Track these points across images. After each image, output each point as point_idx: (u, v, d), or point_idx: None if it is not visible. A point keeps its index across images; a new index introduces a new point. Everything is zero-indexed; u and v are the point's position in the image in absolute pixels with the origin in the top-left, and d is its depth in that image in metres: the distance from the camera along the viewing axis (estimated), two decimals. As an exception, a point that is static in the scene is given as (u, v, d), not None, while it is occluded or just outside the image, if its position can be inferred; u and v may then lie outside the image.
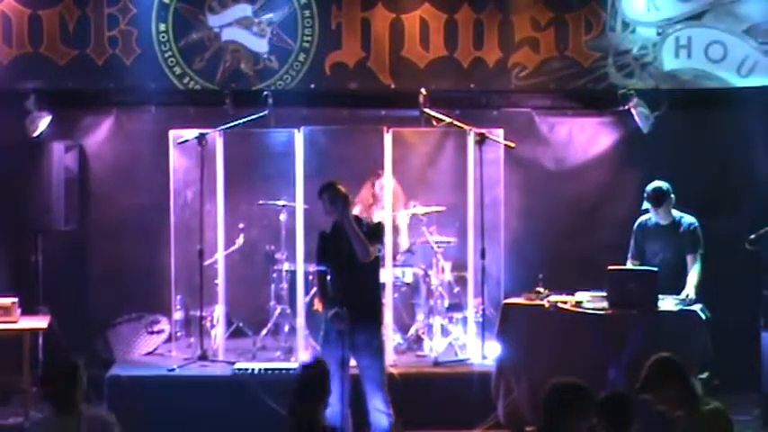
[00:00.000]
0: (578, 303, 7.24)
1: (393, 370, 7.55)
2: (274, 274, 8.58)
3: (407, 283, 8.49)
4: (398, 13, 8.99)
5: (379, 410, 6.68)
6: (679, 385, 5.22)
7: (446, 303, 8.53)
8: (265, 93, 8.48)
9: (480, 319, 8.17)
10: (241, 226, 8.71)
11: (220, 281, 8.32)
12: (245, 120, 8.25)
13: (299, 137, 8.16)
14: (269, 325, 8.52)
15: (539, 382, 6.36)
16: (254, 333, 8.57)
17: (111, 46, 8.87)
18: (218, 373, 7.83)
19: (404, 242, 8.73)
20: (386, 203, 8.22)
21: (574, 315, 7.16)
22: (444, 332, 8.45)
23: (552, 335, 7.16)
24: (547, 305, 7.28)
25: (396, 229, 8.56)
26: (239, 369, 7.74)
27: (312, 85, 9.03)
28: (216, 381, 7.73)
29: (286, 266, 8.48)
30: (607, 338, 6.95)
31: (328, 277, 6.85)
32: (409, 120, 8.69)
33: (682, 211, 7.65)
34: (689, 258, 7.48)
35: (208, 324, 8.41)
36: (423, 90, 8.45)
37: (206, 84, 8.99)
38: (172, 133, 8.41)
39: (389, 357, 7.70)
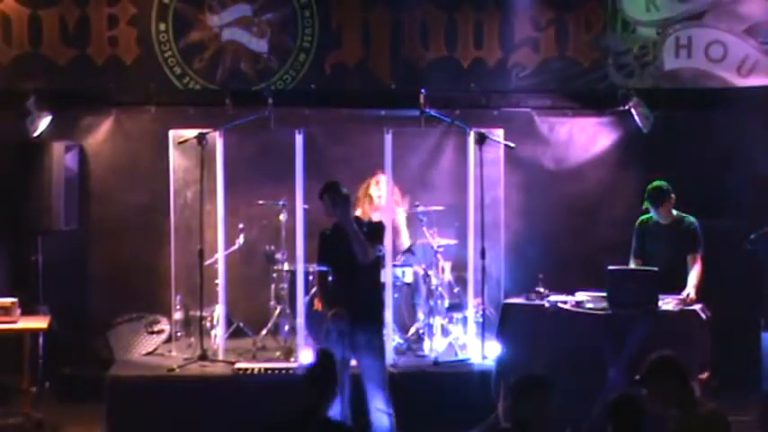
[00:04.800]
0: (578, 303, 7.25)
1: (393, 370, 7.55)
2: (274, 275, 8.58)
3: (407, 283, 8.48)
4: (398, 13, 8.99)
5: (380, 410, 6.68)
6: (677, 384, 5.22)
7: (446, 303, 8.53)
8: (265, 93, 8.48)
9: (480, 319, 8.17)
10: (241, 226, 8.70)
11: (220, 281, 8.32)
12: (245, 120, 8.25)
13: (299, 137, 8.15)
14: (269, 325, 8.52)
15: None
16: (254, 333, 8.57)
17: (111, 46, 8.88)
18: (218, 373, 7.83)
19: (405, 242, 8.72)
20: (386, 203, 8.22)
21: (574, 315, 7.16)
22: (444, 332, 8.45)
23: (552, 335, 7.16)
24: (547, 305, 7.28)
25: (395, 230, 8.56)
26: (239, 369, 7.74)
27: (312, 85, 9.03)
28: (216, 381, 7.73)
29: (286, 267, 8.47)
30: (607, 338, 6.96)
31: (329, 277, 6.85)
32: (409, 120, 8.70)
33: (682, 211, 7.65)
34: (689, 258, 7.49)
35: (208, 324, 8.41)
36: (423, 90, 8.45)
37: (206, 84, 8.99)
38: (172, 133, 8.41)
39: (389, 357, 7.70)
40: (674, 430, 5.18)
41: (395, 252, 8.39)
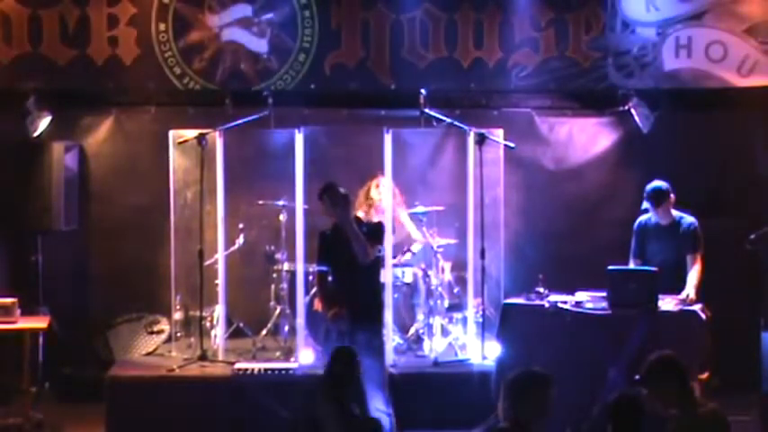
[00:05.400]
0: (578, 303, 7.25)
1: (393, 370, 7.55)
2: (274, 275, 8.58)
3: (407, 283, 8.49)
4: (398, 13, 9.00)
5: (379, 410, 6.68)
6: (677, 384, 5.23)
7: (446, 303, 8.53)
8: (265, 93, 8.48)
9: (480, 319, 8.17)
10: (241, 226, 8.70)
11: (220, 281, 8.32)
12: (245, 120, 8.25)
13: (299, 137, 8.15)
14: (269, 325, 8.52)
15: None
16: (254, 333, 8.56)
17: (111, 46, 8.88)
18: (218, 373, 7.83)
19: (414, 234, 8.67)
20: (386, 204, 8.22)
21: (574, 315, 7.16)
22: (444, 332, 8.45)
23: (552, 335, 7.16)
24: (547, 305, 7.28)
25: (401, 226, 8.58)
26: (239, 369, 7.74)
27: (312, 85, 9.03)
28: (216, 381, 7.73)
29: (286, 267, 8.47)
30: (607, 338, 6.95)
31: (329, 277, 6.85)
32: (409, 120, 8.69)
33: (682, 211, 7.65)
34: (689, 258, 7.48)
35: (208, 324, 8.41)
36: (422, 90, 8.45)
37: (206, 84, 8.99)
38: (172, 133, 8.41)
39: (389, 357, 7.70)
40: (673, 430, 5.18)
41: (405, 247, 8.39)
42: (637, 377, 5.29)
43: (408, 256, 8.62)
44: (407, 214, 8.65)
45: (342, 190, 6.72)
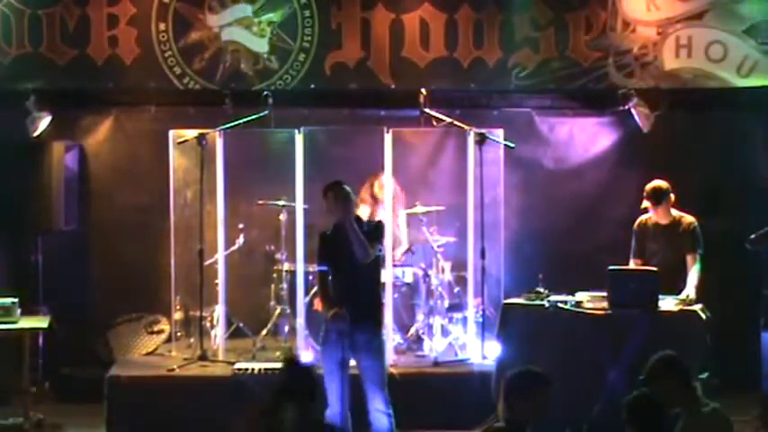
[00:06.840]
0: (578, 303, 7.24)
1: (393, 370, 7.54)
2: (274, 275, 8.58)
3: (407, 283, 8.48)
4: (398, 13, 9.00)
5: (379, 411, 6.66)
6: (680, 384, 5.24)
7: (446, 303, 8.53)
8: (265, 93, 8.48)
9: (480, 319, 8.17)
10: (241, 226, 8.70)
11: (220, 281, 8.32)
12: (245, 120, 8.25)
13: (299, 137, 8.16)
14: (269, 325, 8.52)
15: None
16: (253, 333, 8.56)
17: (111, 46, 8.88)
18: (218, 373, 7.83)
19: (404, 241, 8.72)
20: (386, 203, 8.22)
21: (574, 315, 7.16)
22: (444, 332, 8.45)
23: (552, 335, 7.16)
24: (547, 305, 7.28)
25: (397, 229, 8.57)
26: (239, 369, 7.74)
27: (312, 85, 9.03)
28: (216, 381, 7.73)
29: (286, 267, 8.47)
30: (607, 338, 6.95)
31: (329, 277, 6.84)
32: (409, 120, 8.70)
33: (681, 210, 7.65)
34: (688, 258, 7.49)
35: (208, 324, 8.41)
36: (423, 90, 8.46)
37: (206, 84, 8.99)
38: (172, 133, 8.41)
39: (389, 357, 7.70)
40: (680, 429, 5.18)
41: (394, 251, 8.39)
42: (641, 377, 5.29)
43: (402, 258, 8.62)
44: (405, 215, 8.65)
45: (346, 189, 6.68)
